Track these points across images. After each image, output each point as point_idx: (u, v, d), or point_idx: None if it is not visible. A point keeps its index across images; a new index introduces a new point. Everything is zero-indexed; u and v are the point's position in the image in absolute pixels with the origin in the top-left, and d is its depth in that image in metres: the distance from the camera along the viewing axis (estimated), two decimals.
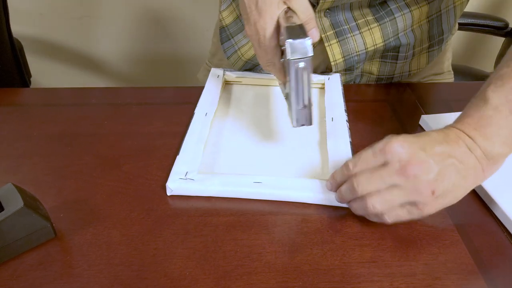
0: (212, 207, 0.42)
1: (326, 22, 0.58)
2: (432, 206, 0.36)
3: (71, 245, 0.38)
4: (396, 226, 0.40)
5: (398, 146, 0.36)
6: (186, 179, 0.43)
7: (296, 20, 0.42)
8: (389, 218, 0.37)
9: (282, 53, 0.45)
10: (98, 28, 1.38)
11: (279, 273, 0.36)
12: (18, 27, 0.95)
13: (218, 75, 0.62)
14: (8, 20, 0.94)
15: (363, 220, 0.41)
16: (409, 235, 0.39)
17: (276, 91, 0.62)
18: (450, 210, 0.42)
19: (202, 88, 0.60)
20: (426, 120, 0.52)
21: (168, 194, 0.43)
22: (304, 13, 0.43)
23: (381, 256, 0.37)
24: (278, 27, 0.44)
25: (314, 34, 0.43)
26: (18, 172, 0.46)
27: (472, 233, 0.40)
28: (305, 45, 0.39)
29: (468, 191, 0.38)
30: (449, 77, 0.71)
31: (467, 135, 0.37)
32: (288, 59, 0.40)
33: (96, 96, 0.60)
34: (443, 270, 0.36)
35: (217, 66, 0.70)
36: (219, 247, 0.38)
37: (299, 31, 0.40)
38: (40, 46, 1.39)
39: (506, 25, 1.15)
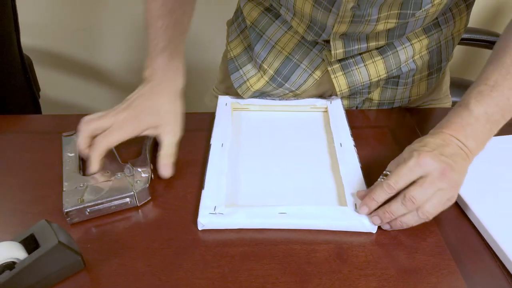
0: (227, 238, 0.46)
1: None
2: (456, 196, 0.46)
3: (99, 276, 0.41)
4: (398, 256, 0.44)
5: (429, 159, 0.44)
6: (215, 213, 0.46)
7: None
8: (433, 216, 0.44)
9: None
10: (103, 39, 1.40)
11: None
12: (23, 39, 0.97)
13: (226, 103, 0.65)
14: (19, 38, 0.96)
15: (367, 250, 0.44)
16: (410, 265, 0.43)
17: (284, 117, 0.65)
18: (448, 241, 0.45)
19: (211, 114, 0.63)
20: None
21: (200, 228, 0.46)
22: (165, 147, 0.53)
23: (384, 285, 0.41)
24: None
25: (164, 173, 0.52)
26: (43, 203, 0.49)
27: (467, 262, 0.43)
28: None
29: None
30: (447, 101, 0.74)
31: (457, 138, 0.47)
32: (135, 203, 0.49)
33: None
34: None
35: (225, 93, 0.73)
36: (235, 278, 0.41)
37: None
38: (46, 57, 1.41)
39: None
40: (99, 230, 0.46)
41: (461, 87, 1.28)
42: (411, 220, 0.44)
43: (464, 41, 1.20)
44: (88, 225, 0.47)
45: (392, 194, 0.45)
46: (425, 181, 0.44)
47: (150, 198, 0.49)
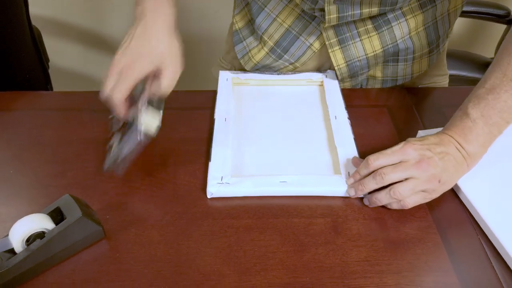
0: (232, 211, 0.50)
1: (330, 30, 0.64)
2: (438, 191, 0.49)
3: (118, 244, 0.46)
4: (387, 230, 0.48)
5: (411, 149, 0.48)
6: (223, 183, 0.51)
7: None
8: (409, 203, 0.48)
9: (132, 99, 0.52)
10: (110, 8, 1.41)
11: (290, 270, 0.44)
12: (31, 8, 0.98)
13: (227, 78, 0.68)
14: (27, 10, 0.98)
15: (359, 224, 0.49)
16: (397, 238, 0.47)
17: (282, 91, 0.68)
18: (434, 216, 0.50)
19: (214, 92, 0.66)
20: (422, 135, 0.58)
21: (209, 197, 0.51)
22: (166, 87, 0.51)
23: (373, 256, 0.46)
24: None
25: None
26: (65, 177, 0.54)
27: (451, 236, 0.48)
28: (152, 128, 0.50)
29: (458, 179, 0.51)
30: (446, 78, 0.77)
31: (455, 140, 0.49)
32: (138, 138, 0.50)
33: None
34: (424, 268, 0.45)
35: (231, 63, 0.76)
36: (240, 247, 0.46)
37: (154, 110, 0.50)
38: (53, 26, 1.42)
39: (508, 13, 1.18)
40: (116, 203, 0.51)
41: (466, 60, 1.29)
42: (383, 198, 0.49)
43: (469, 14, 1.19)
44: (106, 198, 0.51)
45: (370, 170, 0.49)
46: (400, 164, 0.47)
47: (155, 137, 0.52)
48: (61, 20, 1.42)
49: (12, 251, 0.42)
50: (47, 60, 1.11)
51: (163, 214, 0.49)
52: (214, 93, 0.66)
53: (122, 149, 0.51)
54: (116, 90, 0.50)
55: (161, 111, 0.51)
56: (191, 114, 0.64)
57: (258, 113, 0.64)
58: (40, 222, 0.42)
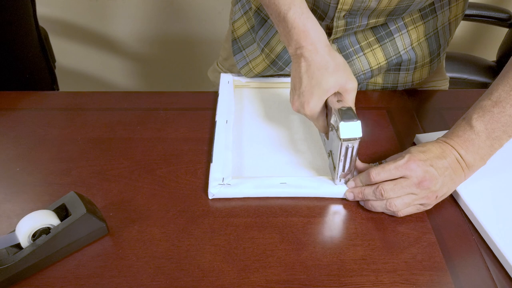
0: (232, 210, 0.51)
1: (334, 47, 0.64)
2: (433, 204, 0.50)
3: (121, 241, 0.48)
4: (384, 230, 0.49)
5: (415, 165, 0.48)
6: (224, 184, 0.52)
7: (345, 105, 0.49)
8: (403, 213, 0.50)
9: (326, 106, 0.52)
10: (114, 9, 1.42)
11: (288, 267, 0.45)
12: (38, 9, 0.99)
13: (228, 81, 0.70)
14: (35, 11, 0.99)
15: (357, 223, 0.50)
16: (394, 238, 0.48)
17: (283, 93, 0.69)
18: (431, 216, 0.51)
19: (215, 93, 0.68)
20: (420, 138, 0.59)
21: (210, 198, 0.52)
22: (351, 102, 0.52)
23: (370, 254, 0.47)
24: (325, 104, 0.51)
25: None
26: (69, 175, 0.55)
27: (446, 236, 0.49)
28: (357, 127, 0.47)
29: (454, 189, 0.52)
30: (446, 82, 0.77)
31: (457, 151, 0.50)
32: (340, 139, 0.47)
33: (127, 100, 0.68)
34: (419, 267, 0.45)
35: (229, 70, 0.76)
36: (239, 245, 0.47)
37: (351, 114, 0.47)
38: (60, 27, 1.44)
39: (510, 16, 1.19)
40: (120, 200, 0.52)
41: (468, 63, 1.29)
42: (378, 206, 0.50)
43: (471, 17, 1.20)
44: (109, 196, 0.52)
45: (370, 183, 0.50)
46: (402, 181, 0.48)
47: None
48: (68, 20, 1.44)
49: (18, 246, 0.43)
50: (54, 60, 1.13)
51: (164, 212, 0.51)
52: (215, 94, 0.67)
53: (335, 159, 0.51)
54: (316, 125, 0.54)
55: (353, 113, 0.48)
56: (193, 115, 0.65)
57: (258, 115, 0.65)
58: (45, 218, 0.43)
